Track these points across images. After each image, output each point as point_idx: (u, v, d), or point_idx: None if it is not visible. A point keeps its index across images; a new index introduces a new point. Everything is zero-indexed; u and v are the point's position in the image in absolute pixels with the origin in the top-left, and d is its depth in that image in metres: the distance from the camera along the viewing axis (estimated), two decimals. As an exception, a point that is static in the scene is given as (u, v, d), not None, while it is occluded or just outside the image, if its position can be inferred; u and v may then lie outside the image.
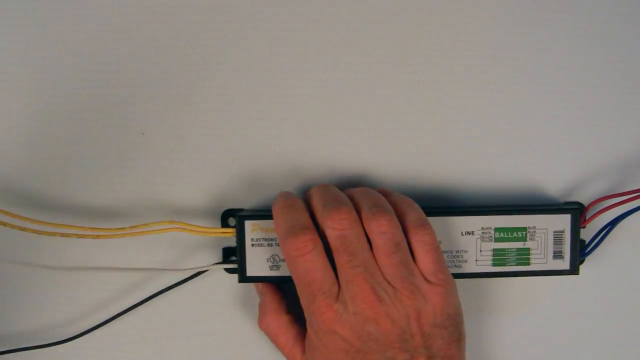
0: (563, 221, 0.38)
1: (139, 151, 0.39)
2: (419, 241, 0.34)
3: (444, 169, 0.39)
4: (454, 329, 0.34)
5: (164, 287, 0.38)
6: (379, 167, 0.39)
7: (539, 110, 0.39)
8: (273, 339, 0.37)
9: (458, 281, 0.39)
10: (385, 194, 0.37)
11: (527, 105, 0.39)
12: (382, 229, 0.33)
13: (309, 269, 0.33)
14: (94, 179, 0.39)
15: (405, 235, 0.34)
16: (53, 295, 0.39)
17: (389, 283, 0.33)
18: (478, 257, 0.38)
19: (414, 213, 0.35)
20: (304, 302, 0.34)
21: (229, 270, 0.39)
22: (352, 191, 0.36)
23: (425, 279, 0.34)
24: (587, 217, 0.39)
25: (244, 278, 0.37)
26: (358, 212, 0.34)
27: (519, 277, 0.38)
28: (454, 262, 0.37)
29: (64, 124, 0.38)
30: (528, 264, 0.38)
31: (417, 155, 0.39)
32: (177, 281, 0.38)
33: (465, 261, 0.38)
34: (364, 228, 0.34)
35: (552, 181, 0.40)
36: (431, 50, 0.38)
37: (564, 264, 0.38)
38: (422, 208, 0.38)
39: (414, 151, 0.39)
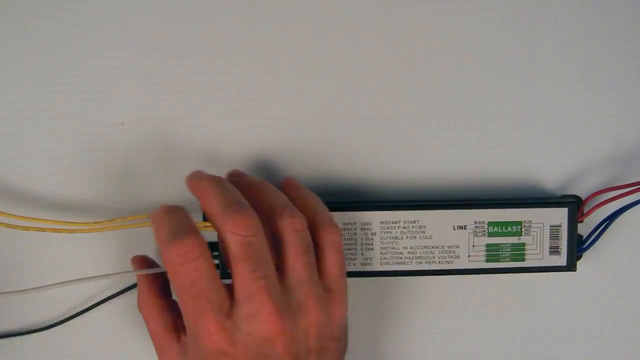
0: (560, 215, 0.37)
1: (117, 142, 0.37)
2: (329, 240, 0.32)
3: (436, 161, 0.38)
4: (345, 339, 0.33)
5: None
6: (370, 161, 0.38)
7: (535, 101, 0.38)
8: (145, 321, 0.34)
9: (449, 278, 0.38)
10: (292, 187, 0.35)
11: (523, 96, 0.38)
12: (297, 227, 0.31)
13: (195, 279, 0.29)
14: (70, 171, 0.38)
15: (311, 234, 0.32)
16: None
17: (291, 292, 0.30)
18: (471, 253, 0.36)
19: (324, 212, 0.33)
20: (188, 318, 0.30)
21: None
22: (247, 184, 0.33)
23: (327, 286, 0.32)
24: (585, 211, 0.38)
25: (225, 274, 0.35)
26: (261, 211, 0.31)
27: (513, 274, 0.37)
28: (445, 257, 0.36)
29: (37, 113, 0.37)
30: (523, 259, 0.37)
31: (409, 147, 0.38)
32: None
33: (457, 257, 0.36)
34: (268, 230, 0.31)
35: (548, 173, 0.39)
36: (427, 43, 0.38)
37: (561, 260, 0.37)
38: (414, 201, 0.37)
39: (406, 143, 0.38)
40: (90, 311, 0.38)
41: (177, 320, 0.33)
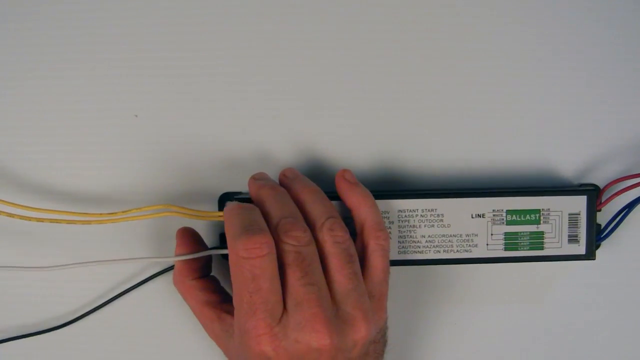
0: (578, 203, 0.36)
1: (131, 134, 0.37)
2: (378, 245, 0.33)
3: (454, 149, 0.38)
4: (383, 342, 0.33)
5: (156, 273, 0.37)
6: (388, 150, 0.38)
7: (553, 89, 0.38)
8: (184, 299, 0.35)
9: (467, 267, 0.38)
10: (350, 185, 0.34)
11: (541, 84, 0.38)
12: (338, 239, 0.32)
13: (256, 275, 0.30)
14: (85, 164, 0.37)
15: (361, 237, 0.33)
16: (41, 288, 0.38)
17: (339, 304, 0.31)
18: (489, 241, 0.36)
19: (376, 215, 0.33)
20: (240, 314, 0.30)
21: (225, 257, 0.37)
22: (298, 191, 0.34)
23: (370, 293, 0.32)
24: (603, 200, 0.37)
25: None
26: (310, 220, 0.32)
27: (532, 262, 0.37)
28: (463, 246, 0.36)
29: (51, 105, 0.37)
30: (542, 248, 0.36)
31: (427, 136, 0.38)
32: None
33: (476, 245, 0.36)
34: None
35: (566, 162, 0.38)
36: (446, 30, 0.37)
37: (580, 249, 0.36)
38: (432, 190, 0.37)
39: (423, 131, 0.38)
40: (101, 309, 0.38)
41: (215, 296, 0.34)
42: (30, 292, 0.38)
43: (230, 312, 0.33)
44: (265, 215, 0.32)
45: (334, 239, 0.31)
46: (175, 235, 0.35)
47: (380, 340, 0.32)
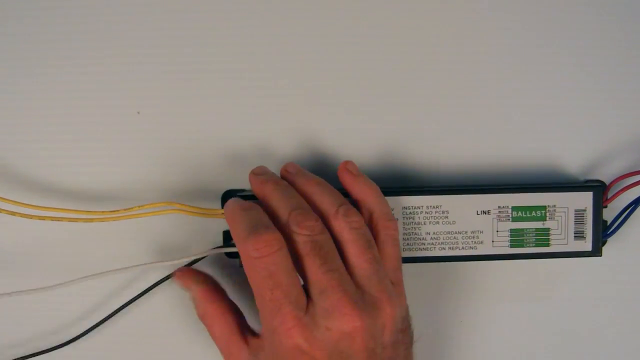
0: (585, 199, 0.36)
1: (133, 131, 0.37)
2: (388, 235, 0.32)
3: (459, 146, 0.38)
4: (410, 331, 0.33)
5: (161, 278, 0.36)
6: (392, 146, 0.37)
7: (559, 85, 0.38)
8: (209, 328, 0.34)
9: (473, 264, 0.37)
10: (354, 176, 0.34)
11: (546, 80, 0.38)
12: (354, 225, 0.31)
13: (272, 272, 0.29)
14: (88, 160, 0.37)
15: (369, 228, 0.32)
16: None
17: (363, 288, 0.31)
18: (495, 238, 0.36)
19: (384, 205, 0.33)
20: (264, 313, 0.30)
21: (229, 255, 0.37)
22: (302, 183, 0.33)
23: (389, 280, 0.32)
24: (609, 196, 0.37)
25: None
26: (321, 211, 0.32)
27: (538, 259, 0.36)
28: (468, 243, 0.36)
29: (53, 103, 0.37)
30: (548, 245, 0.36)
31: (431, 132, 0.38)
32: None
33: (481, 242, 0.36)
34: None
35: (572, 158, 0.38)
36: (451, 27, 0.37)
37: (586, 245, 0.36)
38: (436, 186, 0.37)
39: (428, 127, 0.38)
40: (108, 321, 0.37)
41: (241, 321, 0.34)
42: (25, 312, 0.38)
43: (253, 333, 0.33)
44: (274, 211, 0.32)
45: (350, 224, 0.31)
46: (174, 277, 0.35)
47: (407, 330, 0.32)
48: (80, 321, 0.38)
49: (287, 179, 0.34)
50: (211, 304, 0.34)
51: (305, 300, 0.30)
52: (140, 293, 0.36)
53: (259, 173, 0.34)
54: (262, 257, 0.30)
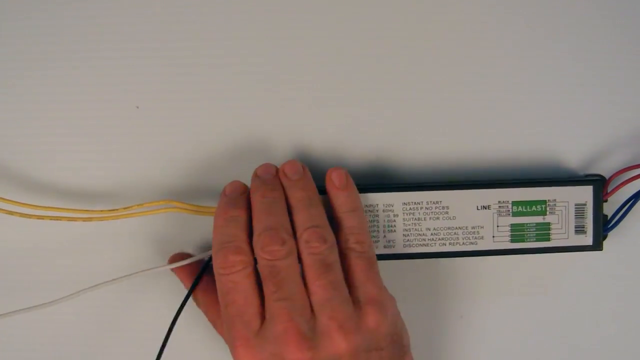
0: (585, 193, 0.36)
1: (132, 126, 0.37)
2: (348, 249, 0.32)
3: (459, 141, 0.38)
4: (393, 347, 0.32)
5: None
6: (392, 142, 0.37)
7: (558, 79, 0.38)
8: (205, 314, 0.35)
9: (474, 259, 0.37)
10: (336, 188, 0.34)
11: (545, 73, 0.38)
12: (312, 250, 0.31)
13: (230, 290, 0.31)
14: (86, 156, 0.37)
15: (339, 245, 0.32)
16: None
17: (317, 316, 0.30)
18: (495, 233, 0.36)
19: (351, 218, 0.33)
20: (224, 325, 0.32)
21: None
22: (290, 196, 0.33)
23: (357, 299, 0.31)
24: (609, 190, 0.37)
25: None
26: (294, 227, 0.32)
27: (538, 254, 0.36)
28: (469, 238, 0.36)
29: (50, 99, 0.37)
30: (548, 239, 0.36)
31: (430, 128, 0.38)
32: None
33: (482, 238, 0.36)
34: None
35: (572, 152, 0.38)
36: (451, 22, 0.37)
37: (587, 239, 0.36)
38: (436, 182, 0.37)
39: (427, 122, 0.38)
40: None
41: None
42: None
43: None
44: (253, 219, 0.33)
45: (308, 250, 0.31)
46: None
47: (387, 347, 0.31)
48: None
49: (283, 183, 0.34)
50: (203, 293, 0.35)
51: (259, 322, 0.31)
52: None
53: (259, 174, 0.34)
54: (224, 274, 0.31)
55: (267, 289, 0.31)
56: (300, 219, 0.32)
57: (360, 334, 0.31)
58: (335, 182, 0.34)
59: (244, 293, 0.31)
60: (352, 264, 0.32)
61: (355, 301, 0.31)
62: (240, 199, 0.33)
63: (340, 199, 0.34)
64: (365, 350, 0.30)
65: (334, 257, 0.32)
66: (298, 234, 0.32)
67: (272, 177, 0.34)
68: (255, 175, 0.34)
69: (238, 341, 0.30)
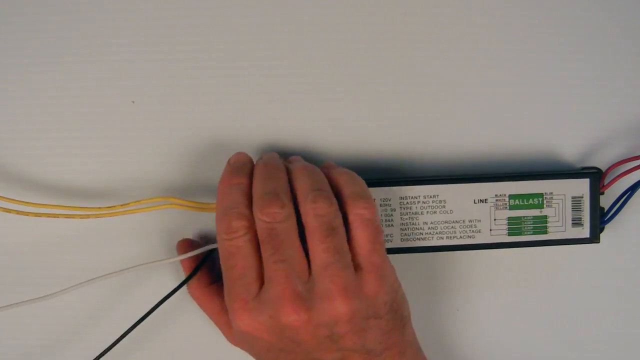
0: (582, 186, 0.36)
1: (128, 120, 0.37)
2: (356, 214, 0.31)
3: (455, 135, 0.38)
4: (392, 315, 0.32)
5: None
6: (388, 136, 0.37)
7: (553, 72, 0.38)
8: (200, 306, 0.36)
9: (471, 253, 0.37)
10: (329, 167, 0.34)
11: (541, 66, 0.38)
12: (318, 211, 0.31)
13: (232, 253, 0.31)
14: (83, 151, 0.37)
15: (343, 211, 0.32)
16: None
17: (317, 279, 0.30)
18: (492, 227, 0.36)
19: (354, 185, 0.32)
20: (224, 289, 0.32)
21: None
22: (292, 168, 0.33)
23: (359, 265, 0.31)
24: (606, 183, 0.37)
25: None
26: (296, 193, 0.32)
27: (536, 247, 0.36)
28: (466, 232, 0.36)
29: (46, 94, 0.37)
30: (546, 232, 0.36)
31: (428, 121, 0.38)
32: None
33: (479, 231, 0.36)
34: (300, 215, 0.31)
35: (569, 145, 0.38)
36: (449, 17, 0.37)
37: (584, 232, 0.36)
38: (433, 176, 0.36)
39: (424, 116, 0.37)
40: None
41: (223, 305, 0.34)
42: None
43: None
44: (253, 189, 0.32)
45: (314, 211, 0.31)
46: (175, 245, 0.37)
47: (385, 316, 0.31)
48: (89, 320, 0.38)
49: (286, 165, 0.34)
50: (196, 289, 0.36)
51: (258, 286, 0.31)
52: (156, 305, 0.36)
53: (263, 156, 0.35)
54: (226, 239, 0.31)
55: (265, 252, 0.31)
56: (304, 184, 0.32)
57: (360, 300, 0.30)
58: (332, 164, 0.35)
59: (245, 257, 0.31)
60: (359, 230, 0.31)
61: (356, 268, 0.31)
62: (244, 168, 0.34)
63: (343, 177, 0.33)
64: (363, 317, 0.30)
65: (339, 221, 0.31)
66: (303, 196, 0.31)
67: (275, 157, 0.35)
68: (259, 158, 0.35)
69: (237, 304, 0.30)
